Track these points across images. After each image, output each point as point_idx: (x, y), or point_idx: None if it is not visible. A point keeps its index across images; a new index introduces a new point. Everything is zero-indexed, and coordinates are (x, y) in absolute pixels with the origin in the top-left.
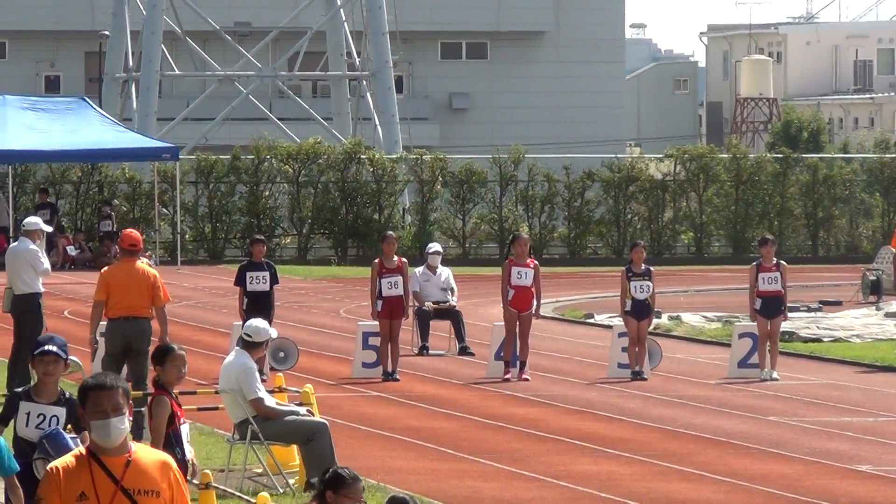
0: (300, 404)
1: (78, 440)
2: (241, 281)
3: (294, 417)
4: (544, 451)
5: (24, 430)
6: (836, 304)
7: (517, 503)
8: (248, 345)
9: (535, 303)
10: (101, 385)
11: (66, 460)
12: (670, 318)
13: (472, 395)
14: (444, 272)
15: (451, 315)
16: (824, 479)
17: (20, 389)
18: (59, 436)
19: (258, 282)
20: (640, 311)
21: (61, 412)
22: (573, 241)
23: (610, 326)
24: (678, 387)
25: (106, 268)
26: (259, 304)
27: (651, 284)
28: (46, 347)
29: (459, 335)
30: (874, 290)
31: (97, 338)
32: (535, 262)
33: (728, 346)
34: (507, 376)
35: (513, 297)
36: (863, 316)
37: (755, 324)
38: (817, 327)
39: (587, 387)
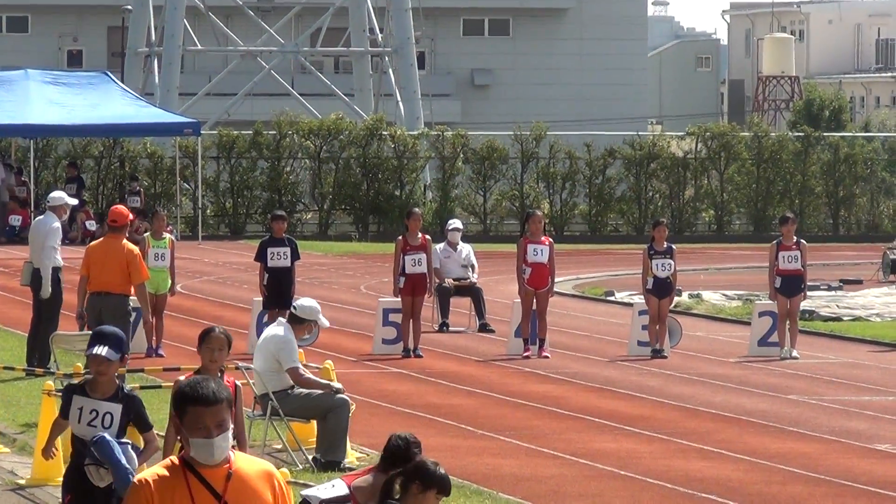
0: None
1: (128, 447)
2: (261, 256)
3: (317, 393)
4: (564, 429)
5: (76, 426)
6: (857, 283)
7: (536, 480)
8: (294, 319)
9: (550, 280)
10: (203, 399)
11: (157, 471)
12: (691, 295)
13: (492, 372)
14: (465, 249)
15: (472, 292)
16: (844, 458)
17: (77, 382)
18: (104, 443)
19: (279, 257)
20: (661, 289)
21: (116, 409)
22: (594, 218)
23: (630, 304)
24: (698, 365)
25: (94, 242)
26: (280, 280)
27: (673, 263)
28: (95, 351)
29: (479, 312)
30: (895, 269)
31: (84, 311)
32: (550, 239)
33: (748, 324)
34: (527, 354)
35: (530, 275)
36: (883, 295)
37: (775, 302)
38: (837, 306)
39: (607, 364)
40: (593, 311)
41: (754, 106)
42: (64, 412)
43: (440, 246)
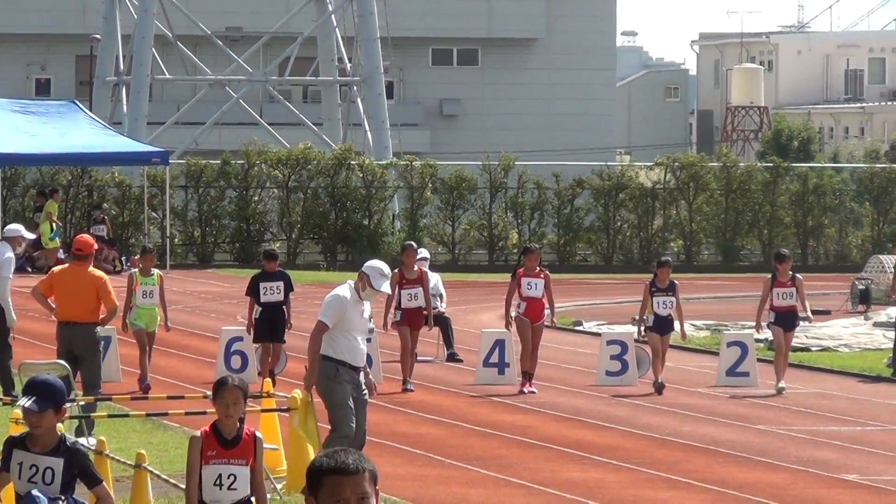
0: (289, 409)
1: (60, 502)
2: (253, 291)
3: (342, 403)
4: (532, 458)
5: (18, 482)
6: (825, 314)
7: None
8: (360, 276)
9: (546, 312)
10: (341, 469)
11: None
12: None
13: (460, 402)
14: (433, 278)
15: (440, 321)
16: (812, 487)
17: (18, 434)
18: (29, 501)
19: (272, 292)
20: (662, 325)
21: (57, 464)
22: (562, 248)
23: (598, 334)
24: (666, 394)
25: (58, 267)
26: (272, 314)
27: (675, 300)
28: (20, 403)
29: (448, 341)
30: (863, 300)
31: (56, 341)
32: (546, 272)
33: (716, 354)
34: (524, 389)
35: (525, 309)
36: (851, 325)
37: (744, 332)
38: (806, 336)
39: (575, 394)
40: (562, 340)
41: (723, 136)
42: (5, 464)
43: None
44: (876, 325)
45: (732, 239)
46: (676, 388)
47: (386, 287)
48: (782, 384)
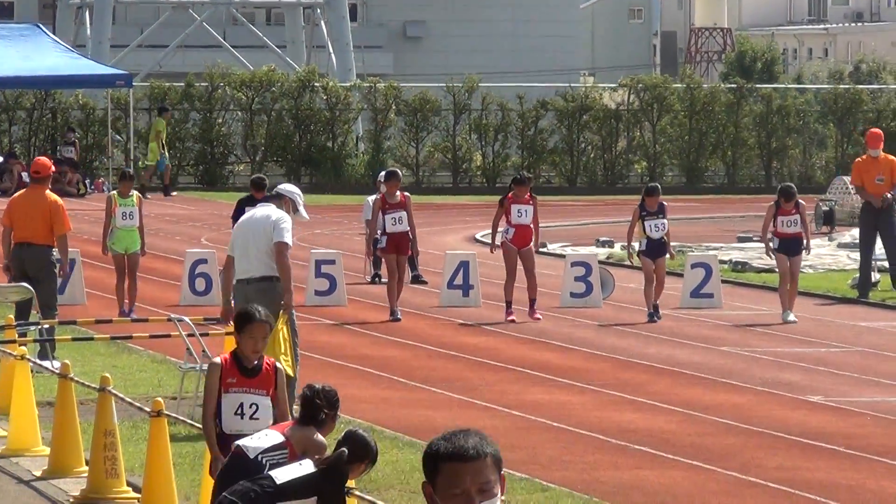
0: None
1: None
2: (238, 215)
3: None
4: (497, 381)
5: None
6: None
7: None
8: (273, 197)
9: (535, 237)
10: (461, 454)
11: None
12: (623, 247)
13: (425, 324)
14: None
15: None
16: (776, 409)
17: None
18: None
19: None
20: (654, 249)
21: None
22: (526, 170)
23: (563, 256)
24: (631, 316)
25: (15, 194)
26: None
27: (666, 222)
28: None
29: (412, 263)
30: (827, 221)
31: (9, 263)
32: (535, 198)
33: (681, 276)
34: (511, 318)
35: (513, 235)
36: (815, 246)
37: (708, 254)
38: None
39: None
40: None
41: (687, 58)
42: None
43: (372, 197)
44: (840, 246)
45: (696, 160)
46: (640, 310)
47: (306, 215)
48: (791, 316)
